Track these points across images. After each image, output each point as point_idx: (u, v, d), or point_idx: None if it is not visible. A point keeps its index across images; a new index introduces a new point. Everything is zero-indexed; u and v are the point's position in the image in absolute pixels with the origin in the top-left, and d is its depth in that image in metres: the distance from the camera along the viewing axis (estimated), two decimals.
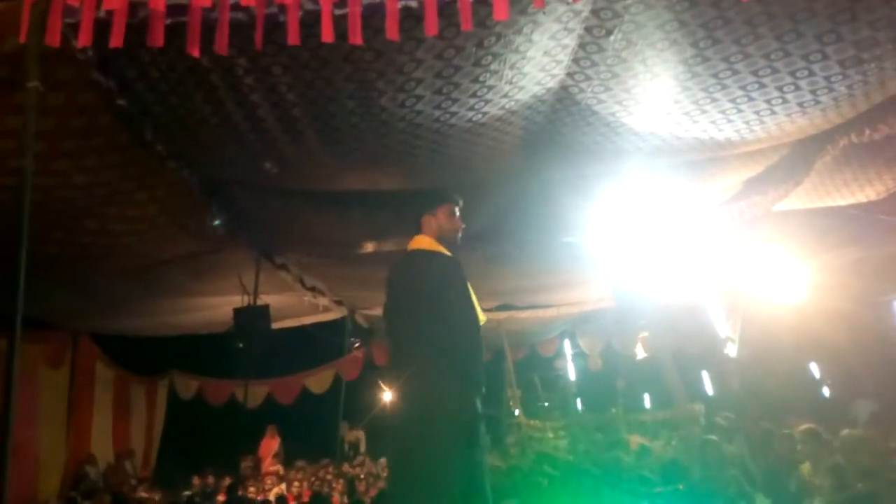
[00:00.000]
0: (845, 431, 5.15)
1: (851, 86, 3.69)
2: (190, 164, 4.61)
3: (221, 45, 2.47)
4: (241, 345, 7.90)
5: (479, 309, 3.13)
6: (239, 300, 7.32)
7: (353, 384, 11.77)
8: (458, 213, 3.30)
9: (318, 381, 11.86)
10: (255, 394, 11.12)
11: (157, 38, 2.46)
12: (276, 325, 8.22)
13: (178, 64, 3.30)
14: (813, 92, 3.73)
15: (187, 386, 12.01)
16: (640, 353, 11.80)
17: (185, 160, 4.54)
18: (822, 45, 3.29)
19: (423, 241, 3.24)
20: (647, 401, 12.68)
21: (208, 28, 2.49)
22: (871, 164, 5.09)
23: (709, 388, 11.36)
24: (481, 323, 3.10)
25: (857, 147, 4.55)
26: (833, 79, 3.59)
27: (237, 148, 4.27)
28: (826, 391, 10.34)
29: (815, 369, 10.49)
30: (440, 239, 3.22)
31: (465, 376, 2.90)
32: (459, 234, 3.28)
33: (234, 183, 5.19)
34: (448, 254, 3.18)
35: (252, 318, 7.23)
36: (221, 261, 6.60)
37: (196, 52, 2.48)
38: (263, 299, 7.25)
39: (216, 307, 8.20)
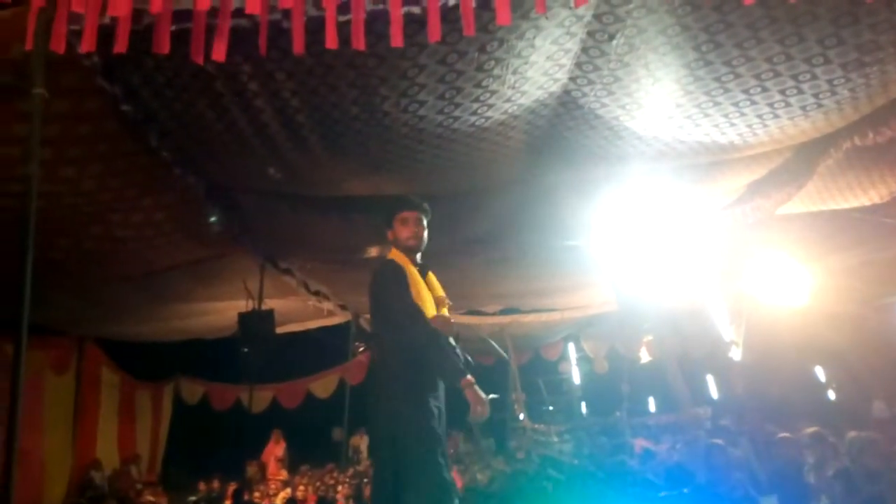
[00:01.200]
0: (852, 433, 5.12)
1: (854, 89, 3.69)
2: (195, 170, 4.63)
3: (220, 51, 2.48)
4: (245, 349, 7.90)
5: (429, 306, 3.18)
6: (244, 305, 7.33)
7: (357, 388, 11.76)
8: (416, 220, 3.27)
9: (322, 386, 11.87)
10: (259, 398, 11.13)
11: (163, 45, 2.48)
12: (280, 330, 8.24)
13: (182, 70, 3.32)
14: (815, 95, 3.74)
15: (192, 391, 12.03)
16: (645, 357, 11.77)
17: (190, 166, 4.55)
18: (824, 49, 3.29)
19: (390, 254, 3.33)
20: (651, 404, 12.65)
21: (213, 35, 2.51)
22: (874, 166, 5.09)
23: (714, 392, 11.33)
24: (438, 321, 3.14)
25: (860, 150, 4.55)
26: (836, 82, 3.60)
27: (242, 153, 4.29)
28: (832, 394, 10.31)
29: (820, 372, 10.46)
30: (402, 250, 3.26)
31: (408, 376, 3.04)
32: (415, 242, 3.26)
33: (238, 188, 5.21)
34: (401, 261, 3.23)
35: (257, 322, 7.24)
36: (226, 266, 6.62)
37: (200, 59, 2.50)
38: (268, 304, 7.26)
39: (221, 312, 8.21)
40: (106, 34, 2.54)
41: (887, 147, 4.49)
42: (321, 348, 11.52)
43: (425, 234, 3.30)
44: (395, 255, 3.28)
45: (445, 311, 3.24)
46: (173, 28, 2.54)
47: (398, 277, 3.17)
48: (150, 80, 3.42)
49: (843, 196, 5.61)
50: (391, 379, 3.11)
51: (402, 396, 3.06)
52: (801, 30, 3.14)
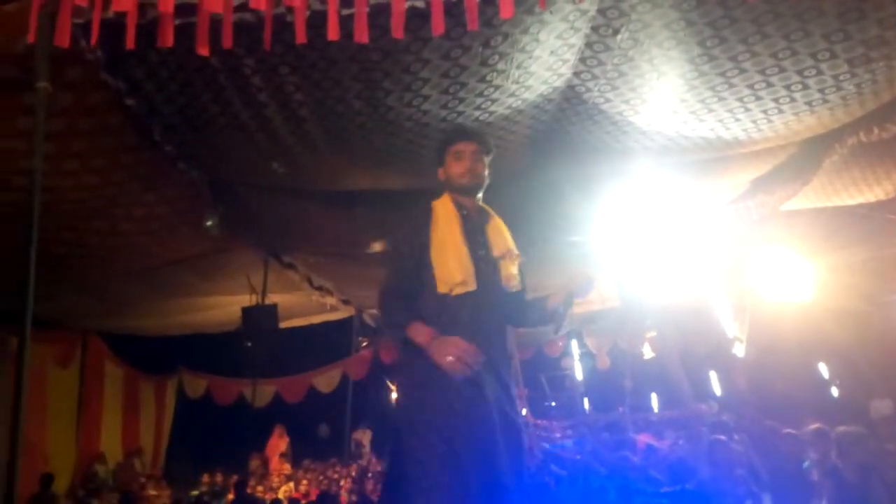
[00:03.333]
0: (841, 428, 5.12)
1: (860, 84, 3.67)
2: (199, 164, 4.64)
3: (227, 40, 2.48)
4: (249, 344, 7.92)
5: (453, 257, 2.60)
6: (247, 299, 7.34)
7: (360, 383, 11.80)
8: (474, 153, 2.71)
9: (325, 381, 11.89)
10: (262, 393, 11.16)
11: (167, 39, 2.48)
12: (283, 325, 8.25)
13: (186, 64, 3.32)
14: (821, 90, 3.72)
15: (196, 385, 12.07)
16: (648, 353, 11.76)
17: (194, 160, 4.56)
18: (830, 44, 3.27)
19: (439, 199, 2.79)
20: (654, 401, 12.64)
21: (217, 28, 2.51)
22: (879, 163, 5.07)
23: (717, 388, 11.32)
24: (465, 276, 2.56)
25: (865, 146, 4.53)
26: (842, 77, 3.58)
27: (245, 148, 4.29)
28: (835, 391, 10.29)
29: (823, 369, 10.44)
30: (454, 190, 2.73)
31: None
32: (469, 179, 2.70)
33: (242, 182, 5.21)
34: (440, 206, 2.71)
35: (260, 317, 7.26)
36: (230, 260, 6.63)
37: (206, 52, 2.50)
38: (271, 299, 7.27)
39: (225, 306, 8.23)
40: (110, 28, 2.55)
41: (893, 143, 4.47)
42: (324, 343, 11.54)
43: (486, 172, 2.73)
44: (440, 200, 2.72)
45: (512, 268, 2.71)
46: (178, 22, 2.54)
47: (411, 221, 2.70)
48: (154, 74, 3.42)
49: (848, 192, 5.60)
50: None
51: (400, 373, 2.63)
52: (806, 25, 3.12)
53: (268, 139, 4.10)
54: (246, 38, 2.81)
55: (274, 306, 7.26)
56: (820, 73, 3.53)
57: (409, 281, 2.62)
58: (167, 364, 11.86)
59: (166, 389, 11.95)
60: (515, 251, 2.76)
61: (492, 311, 2.61)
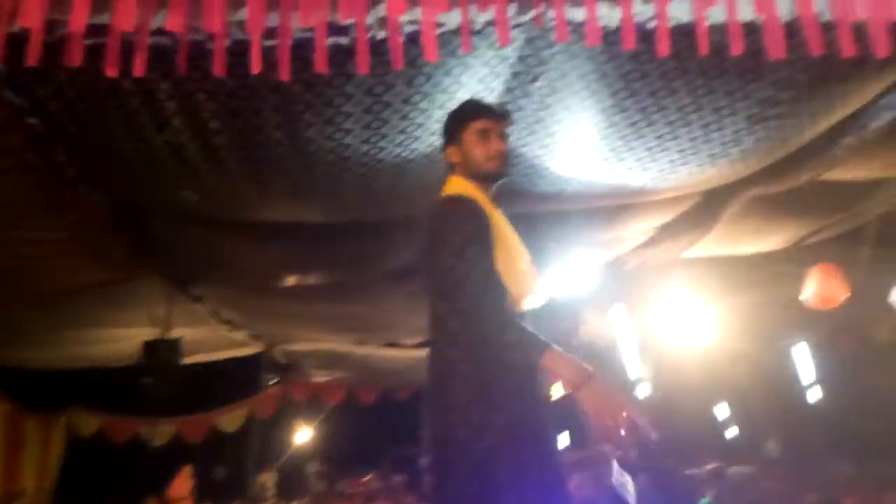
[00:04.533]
0: (735, 468, 5.36)
1: (757, 141, 3.93)
2: (104, 188, 4.43)
3: (139, 69, 2.40)
4: (148, 380, 7.54)
5: (520, 271, 2.16)
6: (149, 332, 7.02)
7: (267, 423, 11.41)
8: (500, 134, 2.42)
9: (229, 420, 11.43)
10: (161, 432, 10.63)
11: (75, 58, 2.37)
12: (187, 360, 7.92)
13: (97, 85, 3.18)
14: (722, 145, 3.95)
15: (88, 422, 11.32)
16: (558, 393, 11.94)
17: (99, 184, 4.35)
18: (731, 101, 3.50)
19: (450, 185, 2.43)
20: (565, 440, 12.80)
21: (130, 50, 2.42)
22: (774, 215, 5.41)
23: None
24: (530, 290, 2.16)
25: (761, 199, 4.83)
26: (741, 133, 3.82)
27: (155, 174, 4.13)
28: (732, 431, 10.75)
29: (721, 410, 10.90)
30: (473, 174, 2.39)
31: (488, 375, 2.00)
32: (498, 164, 2.38)
33: (150, 210, 5.01)
34: (477, 199, 2.27)
35: (162, 351, 6.96)
36: (133, 291, 6.32)
37: (115, 73, 2.40)
38: (175, 332, 6.98)
39: (124, 339, 7.81)
40: (15, 43, 2.42)
41: (786, 198, 4.79)
42: (230, 380, 11.13)
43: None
44: (463, 186, 2.31)
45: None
46: (89, 42, 2.44)
47: (477, 226, 2.14)
48: (61, 93, 3.26)
49: (746, 242, 5.94)
50: (449, 378, 2.05)
51: (461, 409, 1.99)
52: (710, 82, 3.33)
53: (180, 166, 3.97)
54: (162, 63, 2.72)
55: (178, 340, 6.98)
56: (721, 128, 3.76)
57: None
58: (57, 399, 11.06)
59: (55, 427, 11.14)
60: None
61: (540, 328, 2.13)
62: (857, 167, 4.52)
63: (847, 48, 2.25)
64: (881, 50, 2.21)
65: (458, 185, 2.39)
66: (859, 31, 2.28)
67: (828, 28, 2.34)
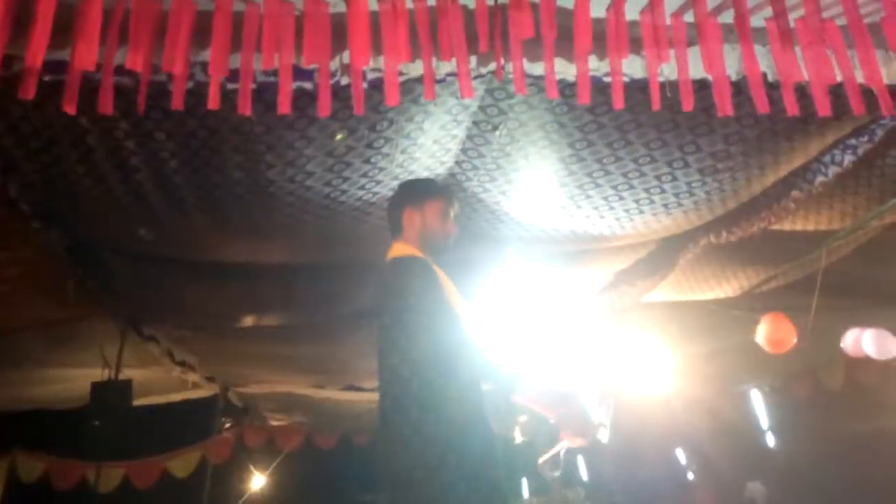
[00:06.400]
0: None
1: (709, 192, 4.05)
2: (58, 225, 4.34)
3: (105, 107, 2.38)
4: (96, 423, 7.27)
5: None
6: (99, 373, 6.81)
7: (221, 468, 11.06)
8: (451, 216, 2.71)
9: (181, 464, 11.02)
10: (109, 477, 10.18)
11: (29, 91, 2.34)
12: (138, 402, 7.69)
13: (53, 121, 3.14)
14: (676, 195, 4.07)
15: (32, 467, 10.80)
16: (518, 438, 11.86)
17: (52, 221, 4.26)
18: (683, 154, 3.61)
19: (398, 248, 2.62)
20: (524, 486, 12.69)
21: (89, 88, 2.40)
22: (728, 263, 5.55)
23: (584, 474, 11.55)
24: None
25: (715, 247, 4.96)
26: (693, 184, 3.94)
27: (111, 212, 4.07)
28: (691, 475, 10.78)
29: (680, 455, 10.95)
30: (423, 242, 2.62)
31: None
32: (449, 241, 2.67)
33: (105, 248, 4.91)
34: (422, 258, 2.51)
35: (112, 393, 6.75)
36: (84, 330, 6.15)
37: (72, 110, 2.38)
38: (126, 373, 6.79)
39: (72, 380, 7.55)
40: None
41: (739, 246, 4.92)
42: (183, 423, 10.79)
43: None
44: (411, 250, 2.50)
45: None
46: (47, 78, 2.42)
47: (432, 281, 2.34)
48: (15, 128, 3.20)
49: (701, 288, 6.06)
50: (426, 446, 2.10)
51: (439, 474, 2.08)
52: (663, 135, 3.43)
53: (137, 204, 3.92)
54: (122, 101, 2.71)
55: (128, 382, 6.78)
56: (675, 179, 3.87)
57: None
58: (0, 442, 10.62)
59: None
60: None
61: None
62: (805, 219, 4.69)
63: (791, 107, 2.35)
64: (822, 109, 2.31)
65: (406, 249, 2.58)
66: (802, 92, 2.38)
67: (773, 87, 2.44)
